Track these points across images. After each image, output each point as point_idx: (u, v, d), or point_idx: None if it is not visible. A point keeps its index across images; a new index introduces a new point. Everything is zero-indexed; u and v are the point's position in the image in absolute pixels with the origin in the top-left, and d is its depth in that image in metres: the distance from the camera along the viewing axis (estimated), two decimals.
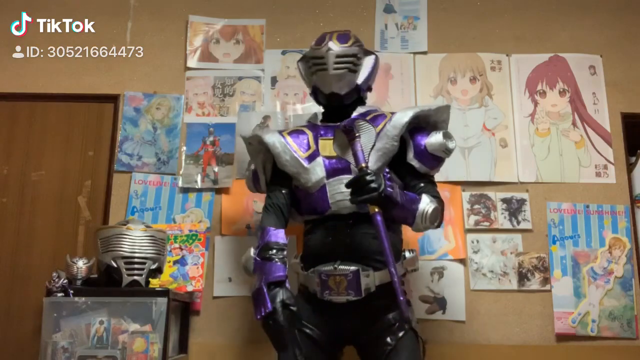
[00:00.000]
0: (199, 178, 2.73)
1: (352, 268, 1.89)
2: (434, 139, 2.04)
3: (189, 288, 2.59)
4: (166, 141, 2.79)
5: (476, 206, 2.70)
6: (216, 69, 2.88)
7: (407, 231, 2.55)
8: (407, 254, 2.04)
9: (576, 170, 2.77)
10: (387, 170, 1.91)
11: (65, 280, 2.17)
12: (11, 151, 2.81)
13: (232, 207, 2.71)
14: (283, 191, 2.10)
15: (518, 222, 2.69)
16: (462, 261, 2.65)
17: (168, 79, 2.87)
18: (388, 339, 1.89)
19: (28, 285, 2.63)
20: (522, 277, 2.64)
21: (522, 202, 2.71)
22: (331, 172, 2.01)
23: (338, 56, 2.05)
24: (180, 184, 2.73)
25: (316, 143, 2.07)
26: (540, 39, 2.92)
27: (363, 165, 1.84)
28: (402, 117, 2.02)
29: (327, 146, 2.04)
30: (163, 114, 2.83)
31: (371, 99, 2.68)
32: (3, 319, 2.63)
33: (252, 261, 1.97)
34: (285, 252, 1.96)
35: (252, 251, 1.99)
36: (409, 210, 1.92)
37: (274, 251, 1.93)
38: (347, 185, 1.84)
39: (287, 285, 1.90)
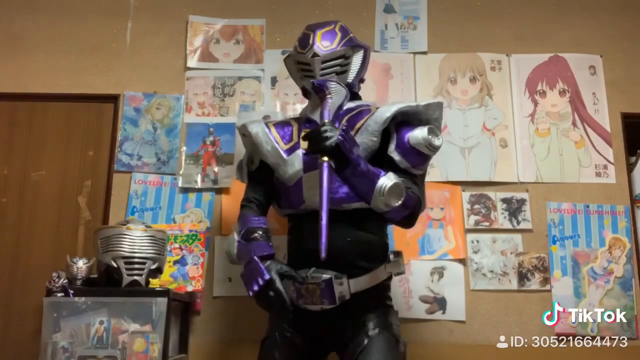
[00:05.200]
0: (199, 178, 2.73)
1: (325, 276, 1.79)
2: (417, 132, 1.89)
3: (189, 288, 2.59)
4: (166, 141, 2.79)
5: (476, 206, 2.70)
6: (216, 69, 2.88)
7: (407, 232, 2.58)
8: (392, 257, 1.92)
9: (576, 170, 2.77)
10: (345, 124, 1.84)
11: (65, 280, 2.16)
12: (11, 151, 2.81)
13: (232, 207, 2.70)
14: (262, 187, 2.07)
15: (518, 222, 2.69)
16: (462, 261, 2.65)
17: (168, 79, 2.86)
18: (360, 339, 1.81)
19: (28, 285, 2.63)
20: (522, 277, 2.64)
21: (522, 202, 2.71)
22: (310, 166, 1.91)
23: (324, 61, 1.96)
24: (180, 184, 2.73)
25: (299, 135, 1.96)
26: (540, 39, 2.92)
27: (326, 121, 1.78)
28: (385, 112, 1.90)
29: None
30: (163, 114, 2.83)
31: (371, 98, 2.69)
32: (3, 319, 2.62)
33: (235, 244, 1.90)
34: (269, 234, 1.91)
35: (235, 235, 1.91)
36: (370, 180, 1.76)
37: (260, 232, 1.88)
38: (304, 138, 1.76)
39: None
